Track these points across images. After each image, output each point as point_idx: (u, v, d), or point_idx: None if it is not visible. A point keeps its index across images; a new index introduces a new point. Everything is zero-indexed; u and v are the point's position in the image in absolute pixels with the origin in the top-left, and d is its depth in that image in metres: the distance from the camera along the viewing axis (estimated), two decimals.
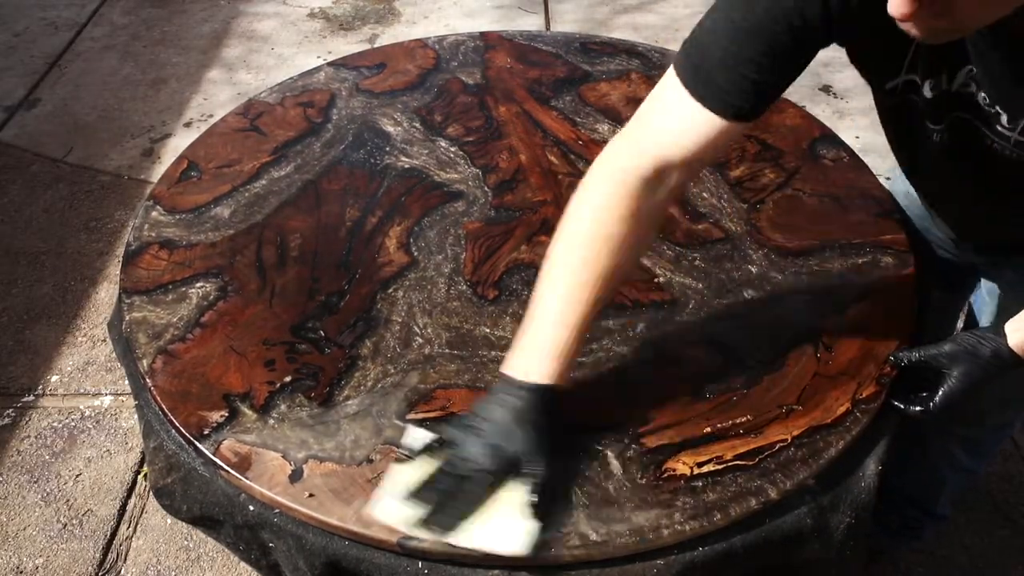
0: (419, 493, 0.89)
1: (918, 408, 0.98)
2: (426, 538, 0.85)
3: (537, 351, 0.91)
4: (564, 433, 0.92)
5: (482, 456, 0.88)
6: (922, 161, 1.06)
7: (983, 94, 0.87)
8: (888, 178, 1.34)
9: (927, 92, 0.90)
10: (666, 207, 0.94)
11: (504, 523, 0.87)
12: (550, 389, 0.90)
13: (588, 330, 0.92)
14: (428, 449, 0.92)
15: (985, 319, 1.22)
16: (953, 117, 0.91)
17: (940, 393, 0.97)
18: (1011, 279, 1.17)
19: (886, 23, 0.73)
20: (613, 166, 0.93)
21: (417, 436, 0.92)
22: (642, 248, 0.95)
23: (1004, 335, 0.95)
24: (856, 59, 0.94)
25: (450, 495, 0.88)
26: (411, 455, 0.91)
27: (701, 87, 0.87)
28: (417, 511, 0.87)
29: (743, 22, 0.86)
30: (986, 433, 1.37)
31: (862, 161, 1.33)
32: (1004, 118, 0.86)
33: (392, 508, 0.88)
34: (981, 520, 1.75)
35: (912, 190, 1.20)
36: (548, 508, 0.88)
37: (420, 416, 0.97)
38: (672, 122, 0.90)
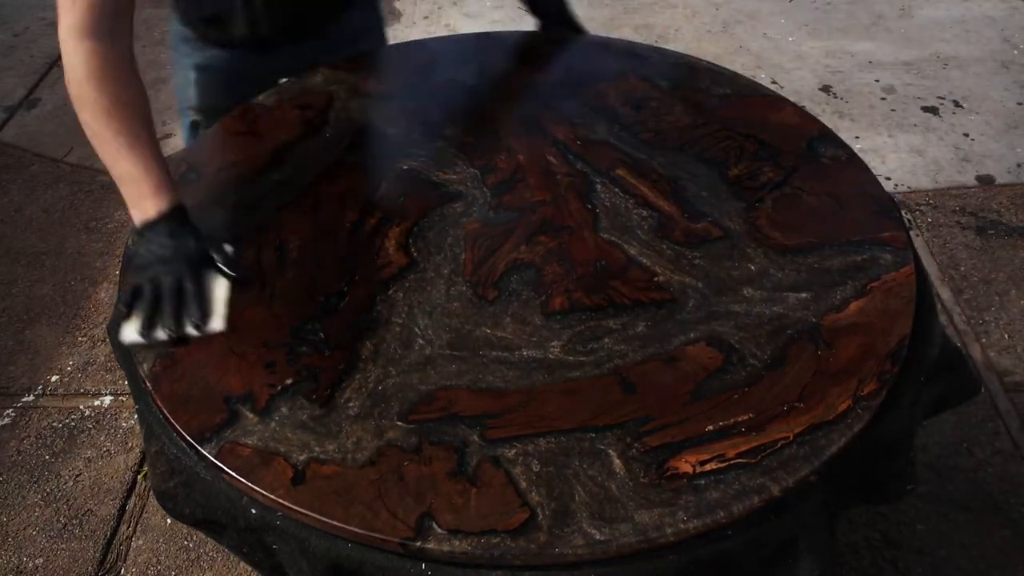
0: (134, 311, 1.07)
1: None
2: (157, 338, 1.05)
3: (144, 195, 1.12)
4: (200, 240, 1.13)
5: (165, 255, 1.09)
6: None
7: None
8: (888, 178, 1.33)
9: None
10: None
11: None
12: (174, 207, 1.12)
13: (156, 151, 1.15)
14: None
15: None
16: None
17: None
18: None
19: None
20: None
21: (128, 334, 1.05)
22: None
23: None
24: None
25: (159, 300, 1.06)
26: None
27: None
28: (135, 324, 1.05)
29: None
30: None
31: (861, 160, 1.33)
32: None
33: (128, 335, 1.06)
34: (981, 520, 1.76)
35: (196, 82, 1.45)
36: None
37: (421, 417, 0.97)
38: None
